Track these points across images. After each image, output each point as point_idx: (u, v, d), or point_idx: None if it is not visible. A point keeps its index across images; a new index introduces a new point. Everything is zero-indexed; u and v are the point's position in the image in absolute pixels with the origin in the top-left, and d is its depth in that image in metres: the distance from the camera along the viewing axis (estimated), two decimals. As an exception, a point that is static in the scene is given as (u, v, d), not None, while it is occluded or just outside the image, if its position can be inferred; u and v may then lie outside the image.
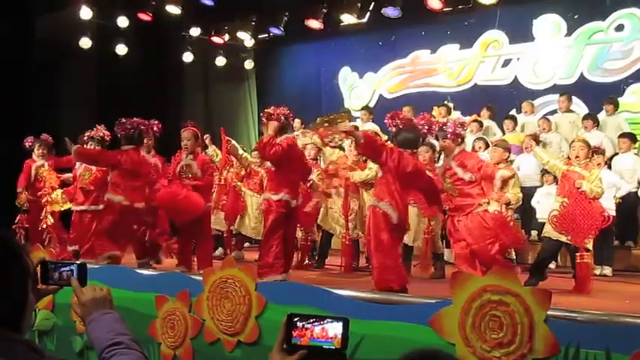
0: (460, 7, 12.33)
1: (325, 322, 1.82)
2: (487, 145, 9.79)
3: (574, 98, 10.90)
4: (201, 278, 5.22)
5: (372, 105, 13.57)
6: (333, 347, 1.80)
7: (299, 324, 1.83)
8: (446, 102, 11.99)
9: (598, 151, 8.39)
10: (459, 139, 6.69)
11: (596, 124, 9.89)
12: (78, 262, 2.34)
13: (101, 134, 8.47)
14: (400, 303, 4.46)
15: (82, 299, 2.20)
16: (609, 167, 8.86)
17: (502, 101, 11.93)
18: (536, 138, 9.44)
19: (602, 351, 3.52)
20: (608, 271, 8.11)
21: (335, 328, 1.81)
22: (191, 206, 7.37)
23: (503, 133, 10.69)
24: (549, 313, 3.72)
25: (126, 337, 2.07)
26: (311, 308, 4.44)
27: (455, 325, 3.93)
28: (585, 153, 7.16)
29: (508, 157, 8.14)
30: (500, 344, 3.77)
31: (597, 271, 8.05)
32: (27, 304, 1.87)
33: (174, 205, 7.44)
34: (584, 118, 10.07)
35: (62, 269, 2.29)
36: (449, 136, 6.66)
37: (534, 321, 3.69)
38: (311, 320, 1.83)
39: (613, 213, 8.20)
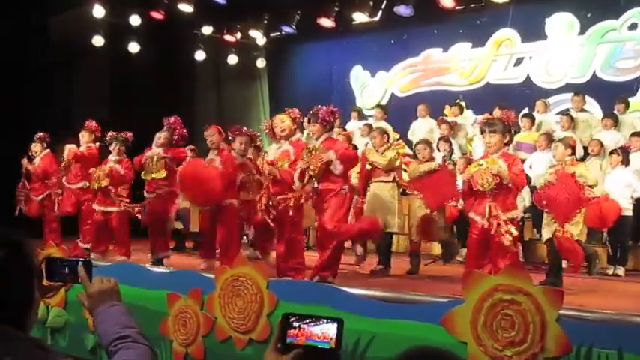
0: (472, 5, 12.32)
1: (321, 322, 1.84)
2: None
3: (586, 97, 10.84)
4: (213, 276, 5.24)
5: (383, 103, 13.53)
6: (328, 347, 1.82)
7: (295, 324, 1.84)
8: (458, 100, 11.96)
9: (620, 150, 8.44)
10: (328, 126, 6.67)
11: (616, 123, 9.89)
12: (83, 259, 2.34)
13: (125, 134, 8.31)
14: (412, 302, 4.47)
15: (89, 291, 2.19)
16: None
17: (514, 100, 11.81)
18: (549, 137, 9.47)
19: (615, 350, 3.52)
20: (620, 271, 8.07)
21: (330, 329, 1.83)
22: (211, 189, 7.10)
23: (518, 132, 10.63)
24: (561, 312, 3.72)
25: (133, 330, 2.06)
26: (323, 306, 4.45)
27: (467, 324, 3.93)
28: (561, 153, 7.19)
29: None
30: (512, 343, 3.77)
31: (610, 271, 8.04)
32: (33, 303, 1.86)
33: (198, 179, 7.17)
34: (604, 117, 10.06)
35: (68, 266, 2.29)
36: (319, 120, 6.62)
37: (546, 320, 3.69)
38: (307, 320, 1.84)
39: (629, 213, 8.19)
